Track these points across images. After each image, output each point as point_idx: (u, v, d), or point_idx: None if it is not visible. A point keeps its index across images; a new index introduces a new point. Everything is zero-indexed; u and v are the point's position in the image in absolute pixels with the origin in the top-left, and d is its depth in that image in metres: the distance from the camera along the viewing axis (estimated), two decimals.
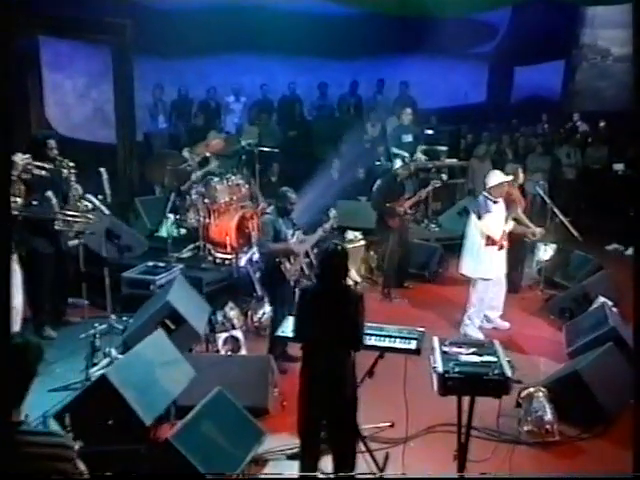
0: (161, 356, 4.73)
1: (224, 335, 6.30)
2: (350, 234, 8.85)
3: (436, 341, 4.35)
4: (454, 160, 10.07)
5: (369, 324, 4.67)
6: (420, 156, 9.81)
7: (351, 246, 8.57)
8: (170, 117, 11.17)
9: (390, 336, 4.67)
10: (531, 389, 5.28)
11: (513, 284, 7.82)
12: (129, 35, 8.97)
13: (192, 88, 11.56)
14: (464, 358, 4.15)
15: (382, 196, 8.07)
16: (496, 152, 10.99)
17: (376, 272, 8.77)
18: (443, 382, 3.99)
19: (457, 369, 4.01)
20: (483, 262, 6.79)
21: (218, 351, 6.15)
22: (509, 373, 3.99)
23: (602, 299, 6.83)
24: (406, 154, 9.29)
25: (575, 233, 7.94)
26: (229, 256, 7.62)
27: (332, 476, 4.19)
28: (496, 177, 6.81)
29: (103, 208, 6.19)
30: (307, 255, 6.28)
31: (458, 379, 3.97)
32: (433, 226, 9.85)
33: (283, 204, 6.06)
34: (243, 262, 7.48)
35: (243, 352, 6.25)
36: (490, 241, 6.72)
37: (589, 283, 7.42)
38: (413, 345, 4.59)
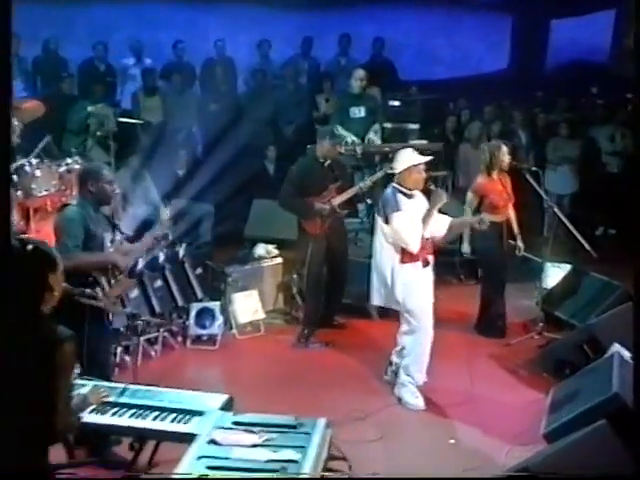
0: None
1: None
2: (261, 248, 7.96)
3: (212, 419, 3.09)
4: (423, 142, 8.76)
5: (135, 387, 3.85)
6: (372, 137, 8.65)
7: (262, 265, 7.88)
8: (34, 82, 10.18)
9: (161, 409, 3.61)
10: None
11: (492, 325, 7.25)
12: None
13: (73, 43, 10.66)
14: (239, 454, 2.94)
15: (294, 187, 7.07)
16: (501, 134, 9.77)
17: (300, 303, 7.75)
18: None
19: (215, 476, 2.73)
20: (401, 288, 5.83)
21: None
22: None
23: (617, 347, 5.85)
24: (351, 135, 8.40)
25: (587, 246, 7.18)
26: None
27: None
28: (406, 158, 5.88)
29: None
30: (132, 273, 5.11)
31: None
32: None
33: (95, 189, 4.85)
34: None
35: None
36: (407, 256, 5.78)
37: (600, 322, 6.49)
38: (191, 427, 3.33)
